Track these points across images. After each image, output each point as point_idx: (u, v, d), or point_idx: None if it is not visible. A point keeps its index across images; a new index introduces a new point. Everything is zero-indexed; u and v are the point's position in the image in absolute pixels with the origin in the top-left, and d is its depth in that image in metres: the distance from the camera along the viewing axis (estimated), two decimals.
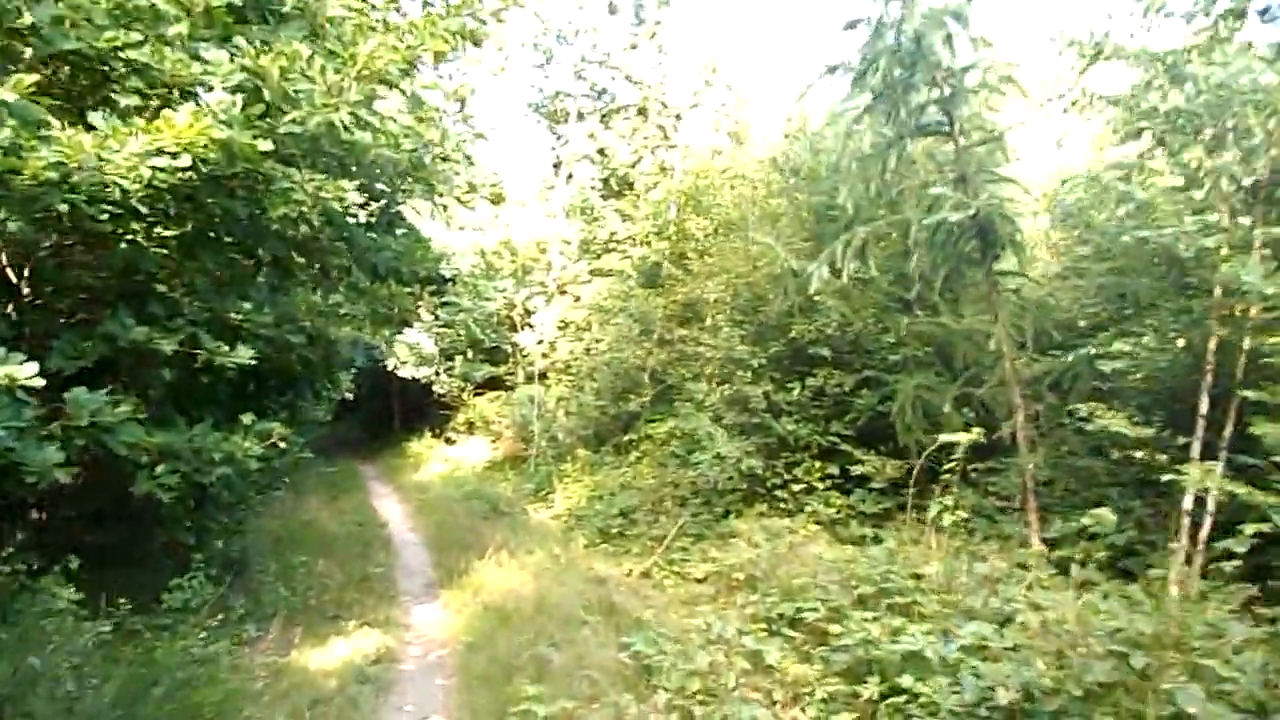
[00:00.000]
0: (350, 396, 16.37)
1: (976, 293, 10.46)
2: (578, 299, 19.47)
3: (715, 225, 14.31)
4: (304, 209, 6.34)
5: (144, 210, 5.79)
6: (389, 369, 22.33)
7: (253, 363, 6.44)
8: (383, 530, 14.23)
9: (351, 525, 14.47)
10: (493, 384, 21.77)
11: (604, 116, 20.82)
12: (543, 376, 19.58)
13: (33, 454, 5.26)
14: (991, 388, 8.57)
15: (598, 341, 17.55)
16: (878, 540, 9.06)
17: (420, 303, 10.03)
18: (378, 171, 7.60)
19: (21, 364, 4.75)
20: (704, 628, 7.42)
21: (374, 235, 8.42)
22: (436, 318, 21.10)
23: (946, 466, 7.61)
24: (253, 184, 6.45)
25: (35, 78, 5.05)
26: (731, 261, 12.11)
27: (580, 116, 20.95)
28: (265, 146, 5.83)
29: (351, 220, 8.02)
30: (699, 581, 9.11)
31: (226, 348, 6.34)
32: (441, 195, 7.87)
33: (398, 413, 27.85)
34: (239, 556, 9.17)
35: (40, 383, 4.86)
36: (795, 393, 10.49)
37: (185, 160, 5.47)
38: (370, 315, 8.36)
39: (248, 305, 6.88)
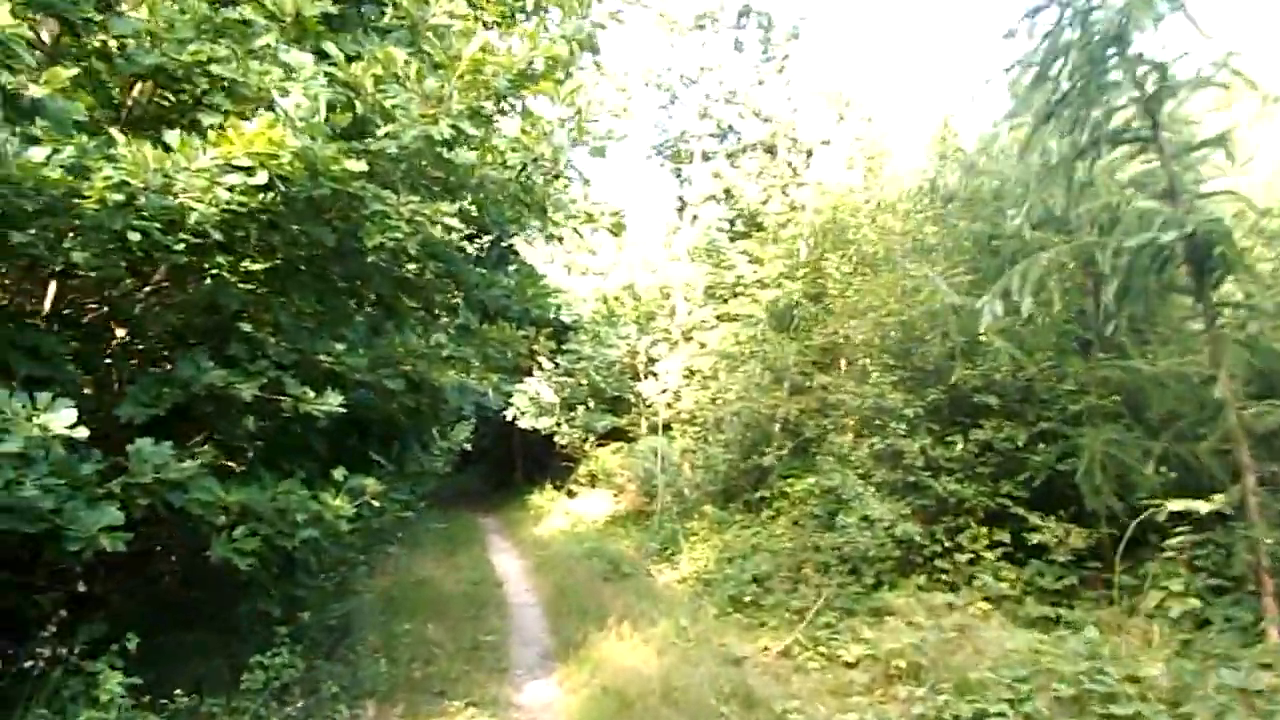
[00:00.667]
0: (469, 448, 15.86)
1: (1169, 331, 9.02)
2: (704, 346, 18.48)
3: (856, 262, 13.12)
4: (401, 235, 5.57)
5: (220, 237, 5.09)
6: (510, 420, 21.70)
7: (343, 410, 5.68)
8: (499, 590, 13.40)
9: (467, 584, 13.70)
10: (615, 435, 20.94)
11: (730, 155, 19.97)
12: (667, 428, 18.60)
13: (84, 516, 4.57)
14: (1209, 443, 7.10)
15: (725, 391, 16.50)
16: (1064, 623, 7.65)
17: (535, 347, 9.25)
18: (484, 198, 6.82)
19: (59, 411, 4.04)
20: None
21: (483, 271, 7.66)
22: (557, 366, 20.49)
23: (1173, 542, 6.19)
24: (346, 209, 5.71)
25: (74, 71, 4.43)
26: (879, 298, 10.87)
27: (705, 157, 20.15)
28: (358, 166, 5.11)
29: (459, 254, 7.30)
30: (849, 666, 7.86)
31: (313, 393, 5.59)
32: (556, 224, 7.02)
33: (519, 464, 27.32)
34: (339, 623, 8.42)
35: (83, 433, 4.14)
36: (958, 448, 9.13)
37: (261, 177, 4.76)
38: (480, 358, 7.53)
39: (341, 347, 6.13)
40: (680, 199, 20.72)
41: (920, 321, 10.00)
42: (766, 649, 8.87)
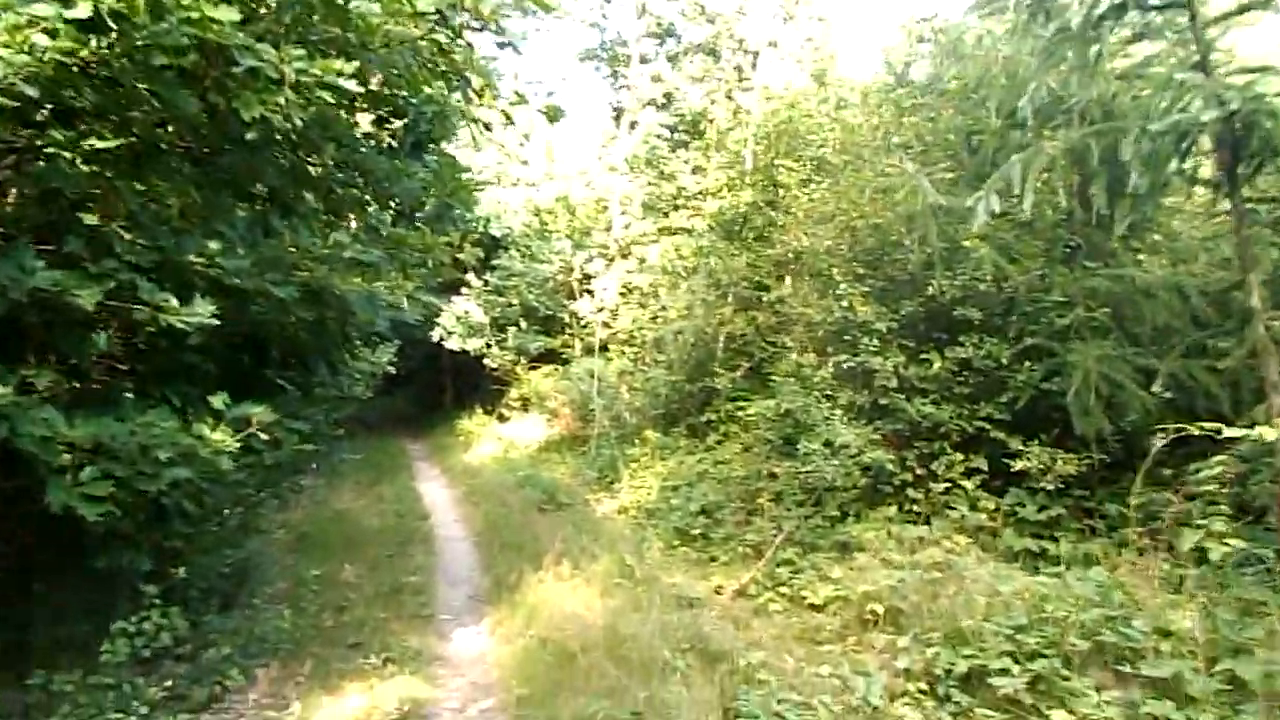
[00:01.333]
0: (393, 370, 14.86)
1: (1161, 238, 8.26)
2: (643, 261, 17.43)
3: (813, 166, 12.08)
4: (284, 103, 4.40)
5: (35, 95, 3.89)
6: (438, 340, 20.43)
7: (216, 322, 4.55)
8: (424, 523, 12.42)
9: (390, 517, 12.72)
10: (548, 357, 19.93)
11: (671, 59, 18.68)
12: (603, 348, 17.64)
13: None
14: (1233, 359, 6.35)
15: (664, 309, 15.54)
16: (1049, 558, 6.96)
17: (460, 256, 8.19)
18: (395, 72, 5.62)
19: None
20: (839, 685, 5.46)
21: (395, 162, 6.45)
22: (486, 283, 19.27)
23: (1211, 473, 5.38)
24: (220, 76, 4.53)
25: None
26: (849, 200, 9.82)
27: (644, 60, 18.84)
28: (227, 14, 3.93)
29: (365, 140, 6.10)
30: (816, 609, 7.08)
31: (175, 301, 4.45)
32: (480, 99, 5.84)
33: (449, 387, 26.21)
34: (235, 569, 7.36)
35: None
36: (935, 366, 8.25)
37: (83, 10, 3.58)
38: (395, 265, 6.40)
39: (216, 246, 4.97)
40: (616, 106, 19.46)
41: (895, 225, 8.98)
42: (720, 589, 8.08)
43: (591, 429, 16.30)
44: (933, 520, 7.71)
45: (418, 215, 6.30)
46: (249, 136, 5.01)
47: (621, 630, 6.58)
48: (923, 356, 8.43)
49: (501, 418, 21.17)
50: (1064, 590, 5.51)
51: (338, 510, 12.74)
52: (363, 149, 5.97)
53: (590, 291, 18.02)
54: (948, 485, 7.92)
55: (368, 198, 6.26)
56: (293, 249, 5.30)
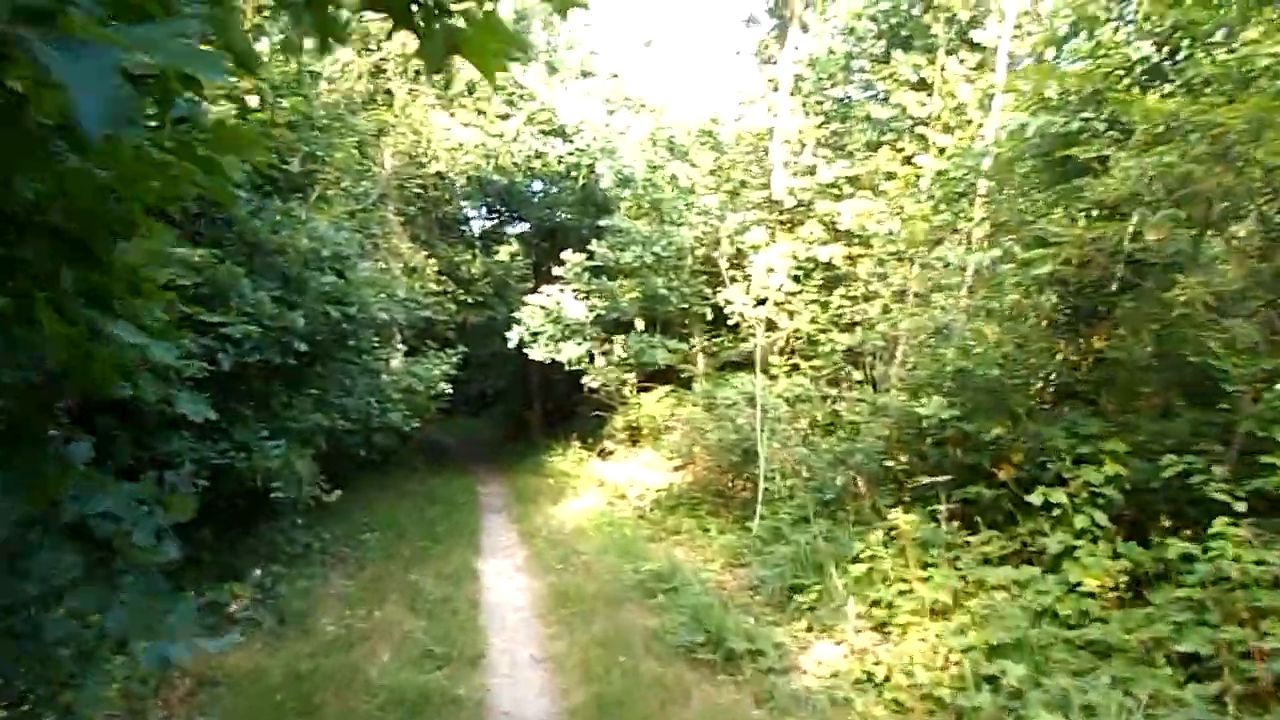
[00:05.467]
0: (449, 389, 9.40)
1: None
2: (833, 226, 11.25)
3: None
4: None
5: None
6: (518, 347, 14.44)
7: None
8: (473, 681, 6.45)
9: (416, 657, 6.81)
10: (659, 375, 13.98)
11: None
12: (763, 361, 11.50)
13: None
14: None
15: (875, 295, 9.40)
16: None
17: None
18: None
19: None
20: None
21: None
22: (590, 255, 13.37)
23: None
24: None
25: None
26: None
27: None
28: None
29: None
30: None
31: None
32: None
33: (538, 411, 20.55)
34: None
35: None
36: None
37: None
38: None
39: None
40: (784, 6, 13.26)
41: None
42: None
43: (743, 482, 10.36)
44: None
45: None
46: None
47: None
48: None
49: (604, 452, 15.30)
50: None
51: (321, 643, 6.93)
52: None
53: (746, 274, 11.89)
54: None
55: None
56: None
